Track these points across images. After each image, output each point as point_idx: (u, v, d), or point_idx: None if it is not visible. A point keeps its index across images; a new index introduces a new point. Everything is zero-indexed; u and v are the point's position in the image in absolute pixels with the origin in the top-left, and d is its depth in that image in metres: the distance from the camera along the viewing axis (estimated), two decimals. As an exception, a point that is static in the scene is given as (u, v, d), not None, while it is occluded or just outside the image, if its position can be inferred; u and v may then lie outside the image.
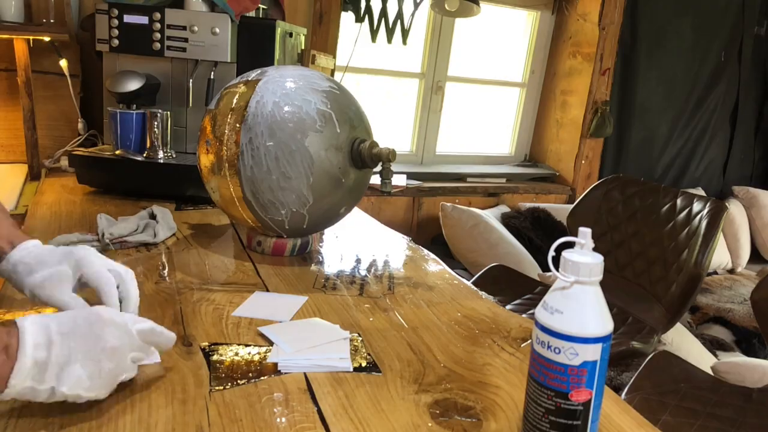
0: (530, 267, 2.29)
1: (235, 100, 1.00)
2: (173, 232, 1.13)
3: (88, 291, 0.70)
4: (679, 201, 1.78)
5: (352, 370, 0.70)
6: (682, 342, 2.09)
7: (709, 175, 3.41)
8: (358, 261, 1.09)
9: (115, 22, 1.41)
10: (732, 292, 2.82)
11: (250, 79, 1.02)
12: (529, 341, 0.81)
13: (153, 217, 1.14)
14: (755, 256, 3.29)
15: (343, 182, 1.00)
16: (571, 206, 2.04)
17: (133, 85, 1.39)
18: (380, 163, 1.01)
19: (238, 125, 0.97)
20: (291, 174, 0.96)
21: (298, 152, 0.95)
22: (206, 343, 0.73)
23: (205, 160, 1.02)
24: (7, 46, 1.59)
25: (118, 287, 0.70)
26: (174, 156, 1.44)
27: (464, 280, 1.04)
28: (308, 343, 0.75)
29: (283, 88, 0.98)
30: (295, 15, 2.15)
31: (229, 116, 0.99)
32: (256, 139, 0.95)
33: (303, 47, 1.86)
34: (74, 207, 1.27)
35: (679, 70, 3.08)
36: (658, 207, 1.82)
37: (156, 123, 1.39)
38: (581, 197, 2.00)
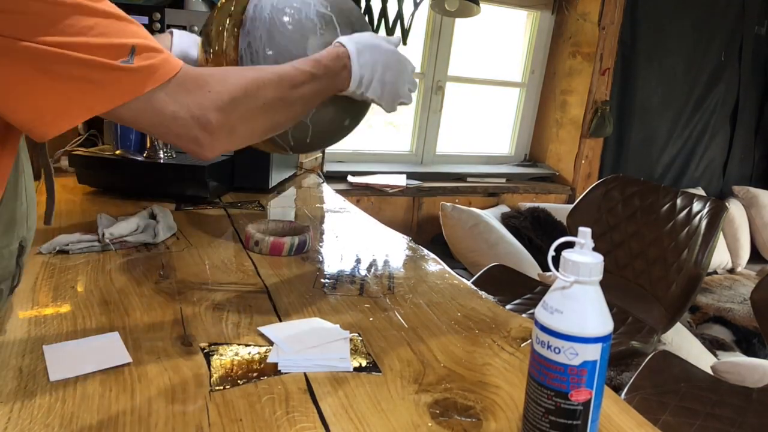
0: (530, 267, 2.29)
1: (233, 7, 0.96)
2: (173, 232, 1.13)
3: None
4: (679, 201, 1.78)
5: (352, 370, 0.70)
6: (682, 342, 2.09)
7: (709, 174, 3.41)
8: (358, 261, 1.09)
9: (115, 22, 1.40)
10: (732, 292, 2.82)
11: None
12: (529, 341, 0.81)
13: (153, 217, 1.14)
14: (755, 256, 3.29)
15: None
16: (571, 206, 2.04)
17: (133, 85, 1.39)
18: None
19: (236, 30, 0.94)
20: None
21: (300, 57, 0.92)
22: (206, 343, 0.73)
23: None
24: (7, 46, 1.59)
25: None
26: (174, 156, 1.44)
27: (464, 280, 1.04)
28: (308, 343, 0.75)
29: None
30: (295, 15, 2.15)
31: (227, 22, 0.95)
32: (255, 43, 0.92)
33: (303, 47, 1.85)
34: (74, 207, 1.27)
35: (679, 70, 3.08)
36: (658, 207, 1.82)
37: (156, 123, 1.38)
38: (581, 197, 2.00)
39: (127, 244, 1.04)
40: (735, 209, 3.21)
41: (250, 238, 1.09)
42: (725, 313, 2.57)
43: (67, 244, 0.99)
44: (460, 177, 2.77)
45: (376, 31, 2.39)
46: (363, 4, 2.34)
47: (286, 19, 0.93)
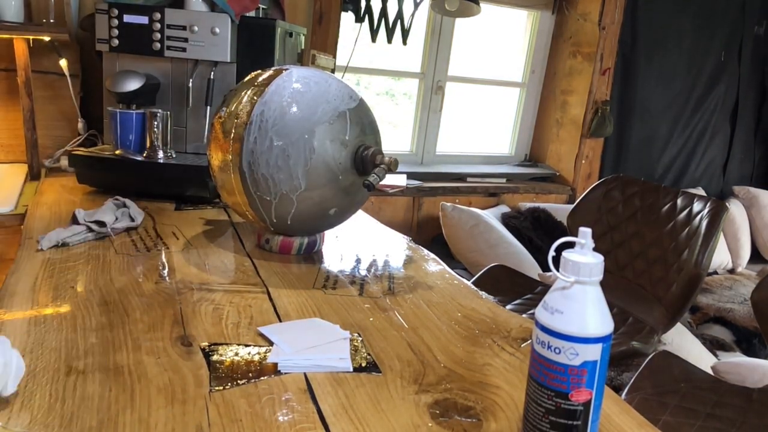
0: (530, 267, 2.29)
1: (261, 78, 1.03)
2: (143, 215, 1.19)
3: None
4: (679, 201, 1.78)
5: (352, 370, 0.70)
6: (683, 342, 2.09)
7: (709, 175, 3.41)
8: (358, 261, 1.09)
9: (115, 21, 1.40)
10: (732, 292, 2.82)
11: (282, 66, 1.06)
12: (530, 341, 0.81)
13: (123, 205, 1.20)
14: (755, 256, 3.28)
15: (339, 179, 1.00)
16: (571, 206, 2.04)
17: (133, 84, 1.39)
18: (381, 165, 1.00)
19: (255, 98, 0.99)
20: (291, 153, 0.96)
21: (304, 135, 0.96)
22: (206, 343, 0.73)
23: (218, 125, 1.03)
24: (7, 46, 1.59)
25: None
26: (174, 156, 1.43)
27: (464, 280, 1.04)
28: (308, 343, 0.74)
29: (307, 77, 1.02)
30: (295, 15, 2.15)
31: (250, 90, 1.02)
32: (269, 112, 0.98)
33: (303, 47, 1.86)
34: (74, 207, 1.27)
35: (679, 70, 3.08)
36: (658, 207, 1.82)
37: (156, 123, 1.38)
38: (581, 197, 2.00)
39: (117, 230, 1.10)
40: (735, 209, 3.21)
41: (261, 236, 1.10)
42: (725, 313, 2.56)
43: (65, 238, 1.01)
44: (460, 177, 2.77)
45: (376, 31, 2.39)
46: (363, 4, 2.34)
47: (305, 98, 0.99)
